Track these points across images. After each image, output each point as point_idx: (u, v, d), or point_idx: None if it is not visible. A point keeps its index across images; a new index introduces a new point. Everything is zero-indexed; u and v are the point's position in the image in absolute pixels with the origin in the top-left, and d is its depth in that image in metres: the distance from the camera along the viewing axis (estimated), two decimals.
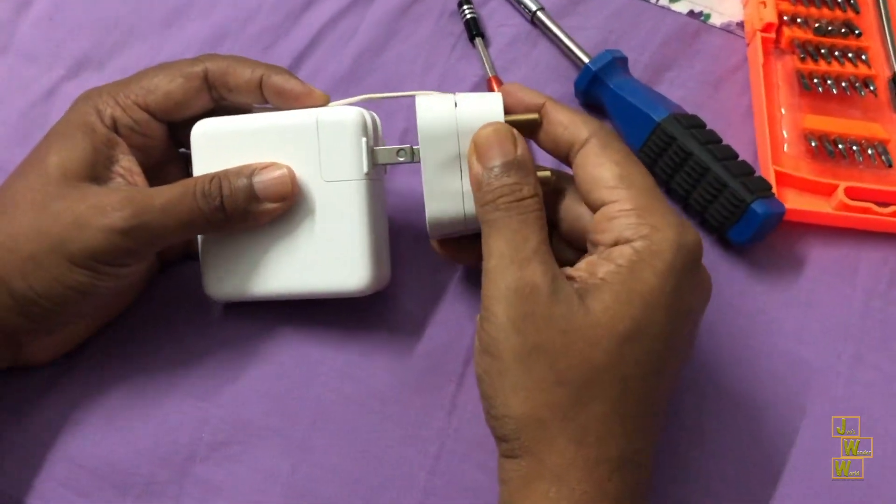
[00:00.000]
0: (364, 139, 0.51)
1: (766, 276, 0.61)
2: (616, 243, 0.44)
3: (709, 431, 0.55)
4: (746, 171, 0.58)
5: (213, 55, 0.54)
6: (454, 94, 0.50)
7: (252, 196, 0.50)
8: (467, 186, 0.49)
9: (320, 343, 0.56)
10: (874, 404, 0.56)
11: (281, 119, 0.52)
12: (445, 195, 0.49)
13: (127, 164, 0.52)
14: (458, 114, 0.48)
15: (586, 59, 0.66)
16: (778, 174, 0.62)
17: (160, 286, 0.59)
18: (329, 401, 0.54)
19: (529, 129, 0.50)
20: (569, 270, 0.45)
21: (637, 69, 0.68)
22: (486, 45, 0.70)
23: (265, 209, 0.51)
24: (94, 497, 0.52)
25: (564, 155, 0.49)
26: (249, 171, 0.50)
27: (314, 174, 0.52)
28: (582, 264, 0.45)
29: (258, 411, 0.54)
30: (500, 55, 0.70)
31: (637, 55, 0.69)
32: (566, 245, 0.52)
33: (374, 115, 0.53)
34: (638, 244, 0.43)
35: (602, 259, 0.44)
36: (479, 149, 0.47)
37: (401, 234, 0.59)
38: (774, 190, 0.59)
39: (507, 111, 0.50)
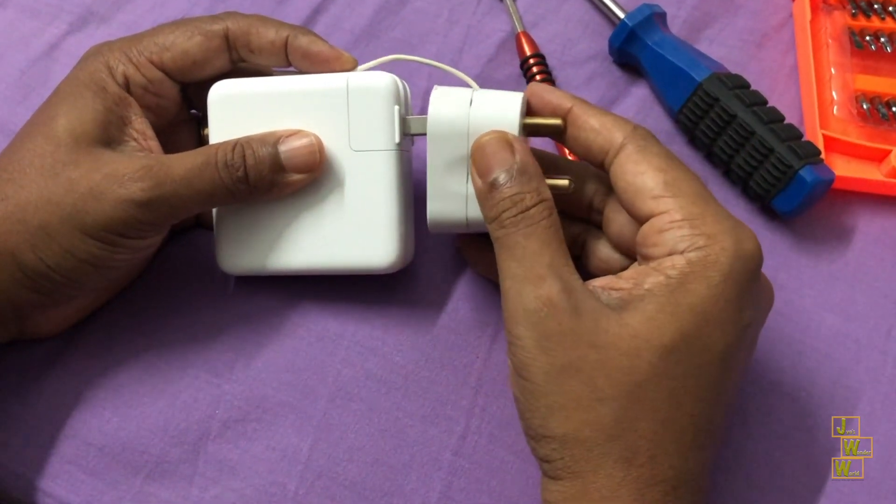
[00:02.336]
0: (396, 107, 0.50)
1: (812, 247, 0.60)
2: (669, 255, 0.43)
3: (750, 414, 0.54)
4: (794, 136, 0.57)
5: (233, 13, 0.52)
6: (474, 90, 0.49)
7: (278, 166, 0.49)
8: (472, 190, 0.47)
9: (340, 316, 0.55)
10: None
11: (307, 83, 0.51)
12: (449, 196, 0.48)
13: (140, 127, 0.51)
14: (472, 113, 0.47)
15: (622, 14, 0.64)
16: (826, 139, 0.61)
17: (171, 255, 0.58)
18: (349, 377, 0.54)
19: (554, 134, 0.49)
20: (613, 280, 0.44)
21: (674, 25, 0.67)
22: None
23: (291, 180, 0.50)
24: (103, 476, 0.52)
25: (599, 163, 0.47)
26: (274, 139, 0.49)
27: (342, 143, 0.51)
28: (629, 272, 0.44)
29: (274, 387, 0.54)
30: (528, 10, 0.68)
31: (675, 10, 0.68)
32: (615, 250, 0.50)
33: (405, 82, 0.52)
34: (692, 255, 0.42)
35: (652, 269, 0.43)
36: (475, 162, 0.46)
37: (424, 204, 0.58)
38: (822, 155, 0.58)
39: (532, 113, 0.49)
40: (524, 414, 0.43)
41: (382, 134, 0.50)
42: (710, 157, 0.61)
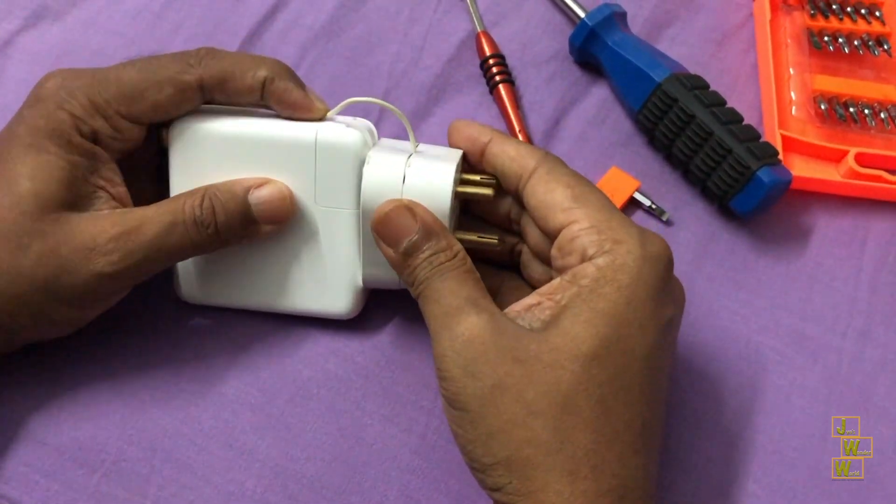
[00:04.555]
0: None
1: (770, 248, 0.62)
2: (581, 262, 0.45)
3: (706, 414, 0.57)
4: (752, 136, 0.59)
5: (209, 54, 0.51)
6: (409, 156, 0.50)
7: (249, 219, 0.50)
8: None
9: (302, 318, 0.57)
10: (879, 385, 0.58)
11: (275, 130, 0.52)
12: (382, 263, 0.50)
13: (108, 175, 0.50)
14: (405, 190, 0.49)
15: (582, 14, 0.66)
16: (784, 139, 0.63)
17: None
18: (309, 377, 0.56)
19: (485, 203, 0.52)
20: (529, 300, 0.46)
21: (636, 25, 0.69)
22: None
23: (262, 231, 0.51)
24: (60, 477, 0.53)
25: (514, 187, 0.50)
26: (244, 190, 0.50)
27: (307, 195, 0.52)
28: (545, 289, 0.46)
29: (233, 386, 0.55)
30: (489, 8, 0.70)
31: (636, 9, 0.70)
32: (538, 261, 0.53)
33: (373, 129, 0.54)
34: (600, 261, 0.44)
35: (566, 282, 0.45)
36: (380, 233, 0.48)
37: None
38: (780, 156, 0.60)
39: (462, 155, 0.52)
40: (466, 447, 0.44)
41: (347, 194, 0.51)
42: (669, 157, 0.63)
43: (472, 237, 0.51)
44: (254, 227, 0.51)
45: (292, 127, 0.51)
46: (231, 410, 0.55)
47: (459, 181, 0.51)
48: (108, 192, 0.50)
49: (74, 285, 0.47)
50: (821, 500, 0.55)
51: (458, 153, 0.51)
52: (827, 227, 0.63)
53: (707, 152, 0.59)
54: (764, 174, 0.57)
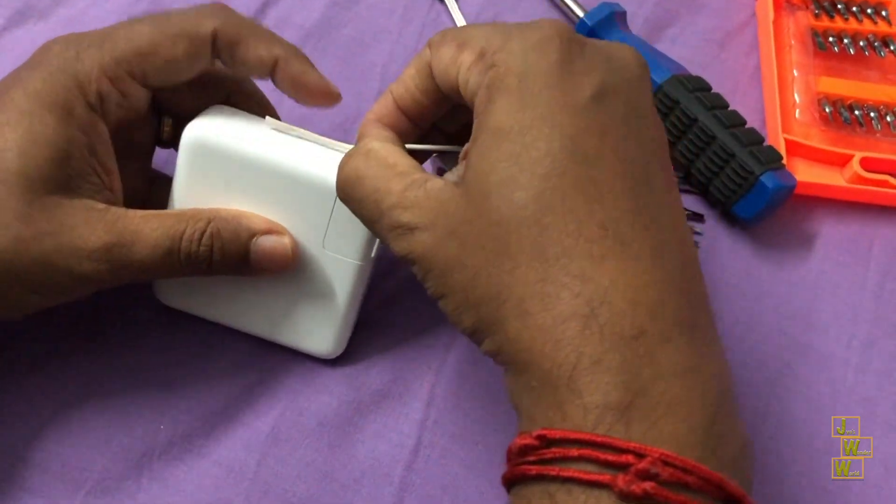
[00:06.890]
0: None
1: (773, 254, 0.61)
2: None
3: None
4: (755, 140, 0.58)
5: (223, 9, 0.49)
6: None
7: (244, 264, 0.49)
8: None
9: None
10: (884, 395, 0.57)
11: (298, 163, 0.49)
12: None
13: (104, 159, 0.47)
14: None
15: (581, 13, 0.66)
16: (788, 143, 0.62)
17: None
18: (299, 390, 0.55)
19: None
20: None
21: (635, 24, 0.68)
22: None
23: (253, 274, 0.50)
24: (42, 493, 0.52)
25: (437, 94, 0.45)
26: (249, 235, 0.48)
27: (315, 237, 0.51)
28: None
29: (222, 402, 0.54)
30: (485, 7, 0.69)
31: (635, 8, 0.69)
32: None
33: None
34: (487, 80, 0.39)
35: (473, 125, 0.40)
36: None
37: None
38: (784, 160, 0.60)
39: None
40: (443, 294, 0.40)
41: (358, 247, 0.50)
42: None
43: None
44: (247, 268, 0.49)
45: (317, 164, 0.49)
46: (220, 427, 0.53)
47: None
48: (102, 180, 0.47)
49: (50, 279, 0.45)
50: (821, 500, 0.54)
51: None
52: (831, 234, 0.62)
53: (709, 156, 0.58)
54: (767, 179, 0.56)
